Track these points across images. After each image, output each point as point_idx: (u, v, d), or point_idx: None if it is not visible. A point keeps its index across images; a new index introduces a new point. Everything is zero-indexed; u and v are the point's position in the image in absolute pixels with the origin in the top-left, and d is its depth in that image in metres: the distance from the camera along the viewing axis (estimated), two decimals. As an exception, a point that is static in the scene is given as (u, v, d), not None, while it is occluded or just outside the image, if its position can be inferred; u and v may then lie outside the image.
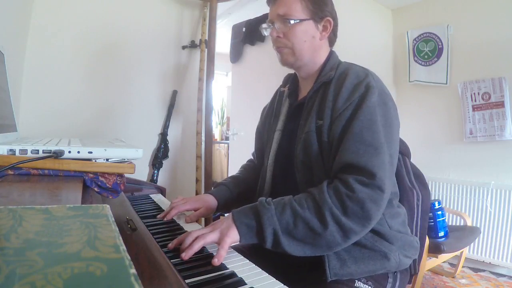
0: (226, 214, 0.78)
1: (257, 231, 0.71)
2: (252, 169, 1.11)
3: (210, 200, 0.97)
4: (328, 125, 0.79)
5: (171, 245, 0.68)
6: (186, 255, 0.63)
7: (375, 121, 0.75)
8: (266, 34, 0.92)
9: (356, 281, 0.78)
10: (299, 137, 0.85)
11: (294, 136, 0.88)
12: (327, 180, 0.75)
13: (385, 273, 0.82)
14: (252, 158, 1.16)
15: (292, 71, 1.00)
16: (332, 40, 0.93)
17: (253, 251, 0.88)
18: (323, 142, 0.79)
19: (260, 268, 0.63)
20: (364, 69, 0.83)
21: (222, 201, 0.99)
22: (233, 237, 0.70)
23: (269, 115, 1.04)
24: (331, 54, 0.92)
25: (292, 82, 1.00)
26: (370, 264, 0.77)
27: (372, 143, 0.73)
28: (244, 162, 1.18)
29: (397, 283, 0.83)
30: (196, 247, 0.65)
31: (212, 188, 1.04)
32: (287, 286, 0.56)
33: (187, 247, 0.65)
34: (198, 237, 0.67)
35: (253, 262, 0.66)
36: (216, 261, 0.62)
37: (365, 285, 0.78)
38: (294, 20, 0.84)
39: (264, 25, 0.91)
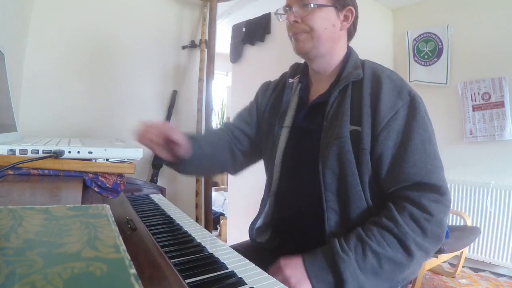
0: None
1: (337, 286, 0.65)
2: (219, 137, 0.94)
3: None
4: (369, 133, 0.73)
5: None
6: None
7: (431, 132, 0.72)
8: (281, 20, 0.84)
9: None
10: (325, 141, 0.77)
11: (311, 137, 0.82)
12: (390, 203, 0.70)
13: None
14: (227, 124, 0.98)
15: (298, 62, 0.93)
16: (351, 33, 0.86)
17: (253, 251, 0.87)
18: (360, 150, 0.73)
19: (260, 268, 0.63)
20: (393, 71, 0.80)
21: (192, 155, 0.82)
22: None
23: (275, 105, 0.94)
24: (351, 50, 0.86)
25: (302, 74, 0.92)
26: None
27: (436, 157, 0.70)
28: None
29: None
30: None
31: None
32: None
33: None
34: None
35: (253, 262, 0.66)
36: None
37: None
38: (315, 4, 0.77)
39: (279, 10, 0.84)
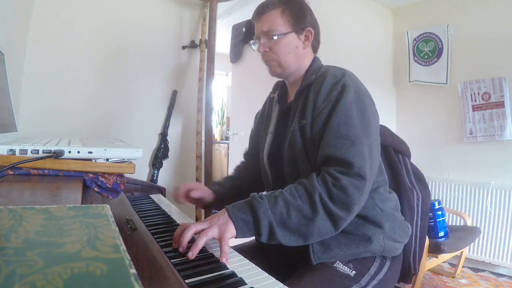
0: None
1: (254, 225, 0.72)
2: (243, 168, 1.19)
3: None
4: (310, 123, 0.85)
5: (174, 245, 0.69)
6: (193, 255, 0.64)
7: (351, 116, 0.80)
8: (254, 49, 0.97)
9: (338, 262, 0.81)
10: (287, 136, 0.91)
11: (284, 137, 0.92)
12: (315, 172, 0.79)
13: (372, 257, 0.84)
14: (244, 159, 1.22)
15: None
16: (315, 47, 0.99)
17: (253, 251, 0.88)
18: (306, 139, 0.85)
19: (260, 268, 0.63)
20: (341, 70, 0.88)
21: (218, 197, 1.08)
22: (231, 231, 0.71)
23: (261, 120, 1.11)
24: (314, 60, 0.98)
25: (280, 88, 1.05)
26: (352, 247, 0.81)
27: (348, 137, 0.78)
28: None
29: (384, 269, 0.84)
30: (200, 244, 0.66)
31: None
32: (286, 285, 0.56)
33: (192, 246, 0.65)
34: (200, 234, 0.68)
35: (253, 262, 0.66)
36: (224, 260, 0.64)
37: (344, 266, 0.81)
38: (278, 35, 0.91)
39: (252, 41, 0.98)
